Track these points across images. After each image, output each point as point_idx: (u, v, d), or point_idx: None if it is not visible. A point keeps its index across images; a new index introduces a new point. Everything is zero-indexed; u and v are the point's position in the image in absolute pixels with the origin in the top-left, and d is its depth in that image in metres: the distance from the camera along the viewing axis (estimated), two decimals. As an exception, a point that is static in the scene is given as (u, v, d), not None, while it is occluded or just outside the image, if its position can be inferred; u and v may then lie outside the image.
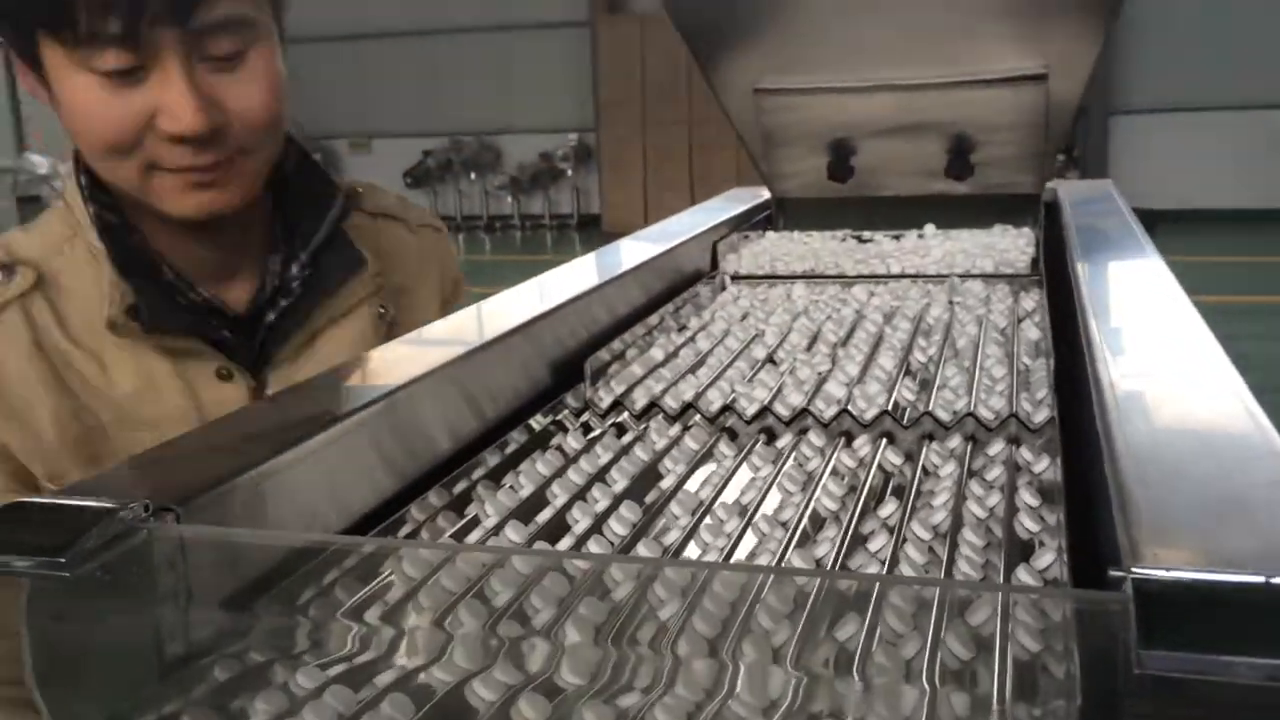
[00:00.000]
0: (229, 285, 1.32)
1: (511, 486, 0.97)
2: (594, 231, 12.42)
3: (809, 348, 1.44)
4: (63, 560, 0.60)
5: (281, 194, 1.35)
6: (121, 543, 0.63)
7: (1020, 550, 0.80)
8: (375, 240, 1.41)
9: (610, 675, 0.57)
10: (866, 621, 0.56)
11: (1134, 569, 0.49)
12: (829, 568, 0.79)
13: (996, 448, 1.06)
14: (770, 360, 1.38)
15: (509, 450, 1.07)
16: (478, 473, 0.99)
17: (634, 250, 1.78)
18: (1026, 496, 0.92)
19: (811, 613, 0.56)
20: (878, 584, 0.64)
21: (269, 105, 1.20)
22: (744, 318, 1.62)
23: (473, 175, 13.52)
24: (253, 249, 1.34)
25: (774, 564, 0.79)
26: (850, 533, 0.84)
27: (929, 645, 0.54)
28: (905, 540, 0.82)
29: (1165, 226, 9.35)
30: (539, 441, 1.13)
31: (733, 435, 1.17)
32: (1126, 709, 0.45)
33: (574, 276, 1.58)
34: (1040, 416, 1.08)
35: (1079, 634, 0.51)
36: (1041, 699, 0.51)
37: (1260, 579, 0.48)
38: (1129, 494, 0.61)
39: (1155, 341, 1.04)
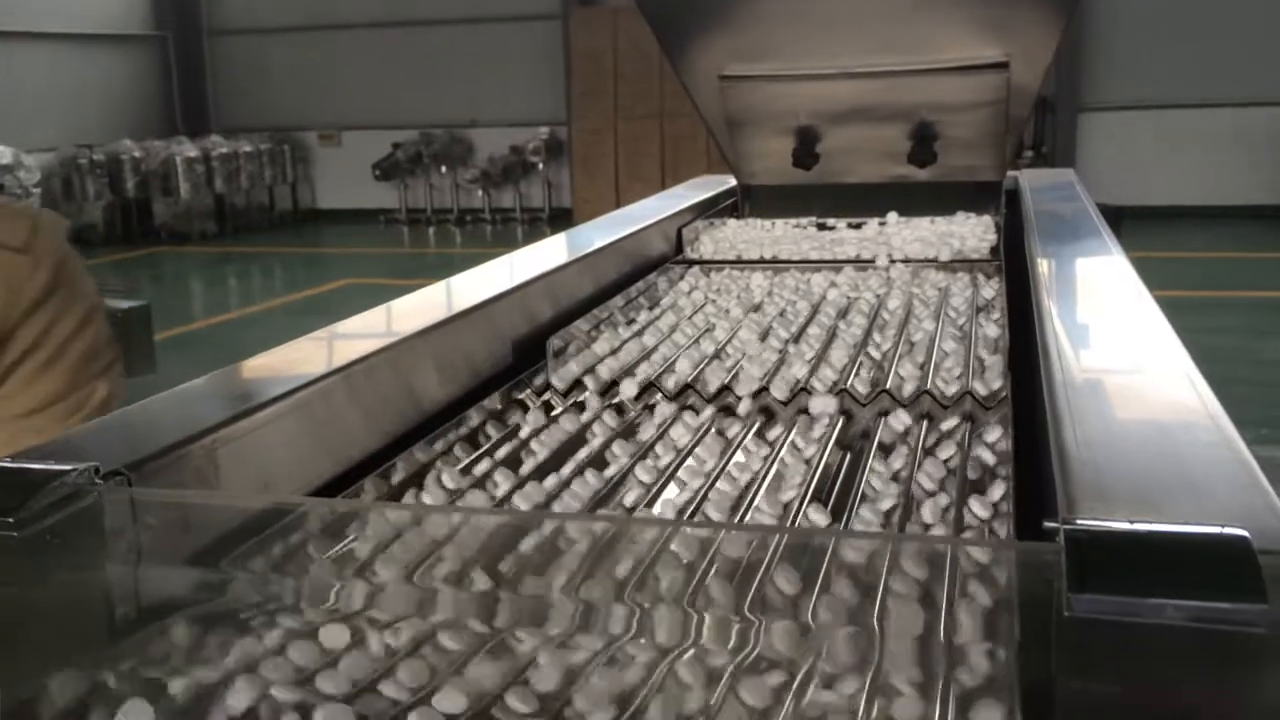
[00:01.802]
0: None
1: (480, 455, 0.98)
2: (565, 225, 12.40)
3: (764, 336, 1.44)
4: (11, 521, 0.60)
5: None
6: (71, 505, 0.63)
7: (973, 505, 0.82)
8: None
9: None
10: (822, 570, 0.57)
11: (1066, 521, 0.51)
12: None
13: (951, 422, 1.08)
14: (720, 353, 1.38)
15: (465, 429, 1.08)
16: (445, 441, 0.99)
17: (600, 234, 1.79)
18: (983, 455, 0.94)
19: (769, 563, 0.58)
20: (834, 538, 0.65)
21: None
22: (704, 304, 1.63)
23: (443, 168, 13.44)
24: None
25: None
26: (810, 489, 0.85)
27: (880, 591, 0.55)
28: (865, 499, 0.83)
29: (1131, 223, 9.45)
30: (498, 419, 1.13)
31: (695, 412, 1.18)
32: (1058, 648, 0.46)
33: (539, 258, 1.59)
34: (994, 391, 1.10)
35: (1019, 581, 0.53)
36: (985, 639, 0.52)
37: (1183, 528, 0.49)
38: (1068, 454, 0.62)
39: (1104, 320, 1.06)
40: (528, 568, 0.61)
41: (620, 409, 1.18)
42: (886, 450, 1.01)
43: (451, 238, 12.95)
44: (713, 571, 0.59)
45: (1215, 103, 11.54)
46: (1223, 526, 0.48)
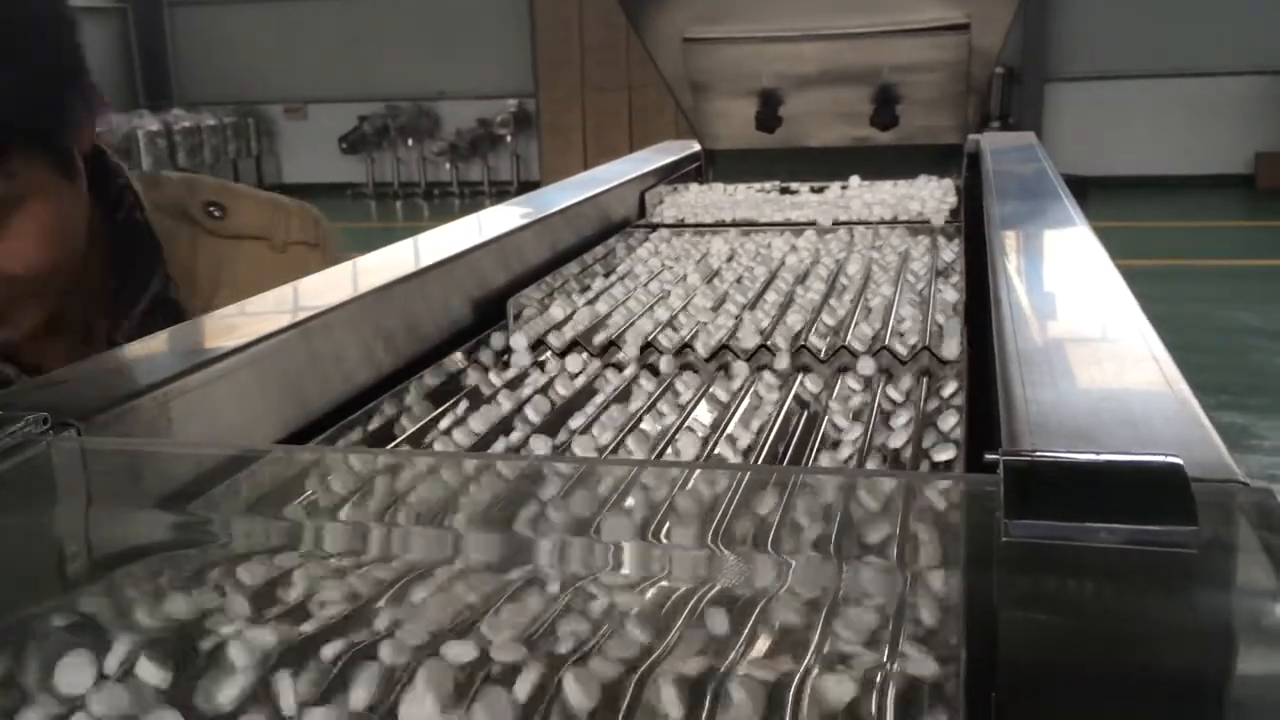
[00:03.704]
0: (52, 345, 1.20)
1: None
2: (534, 198, 12.35)
3: (721, 302, 1.45)
4: (-42, 469, 0.60)
5: (109, 257, 1.23)
6: (17, 454, 0.63)
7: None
8: (231, 269, 1.32)
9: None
10: (782, 506, 0.58)
11: (1006, 453, 0.52)
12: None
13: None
14: (678, 315, 1.38)
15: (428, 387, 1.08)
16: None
17: (562, 196, 1.79)
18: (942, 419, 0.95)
19: (739, 498, 0.59)
20: (795, 475, 0.66)
21: (33, 258, 1.09)
22: (665, 267, 1.63)
23: (410, 141, 13.34)
24: (78, 312, 1.21)
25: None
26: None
27: (837, 523, 0.56)
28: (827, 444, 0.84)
29: (1096, 192, 9.51)
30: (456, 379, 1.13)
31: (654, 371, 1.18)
32: (998, 570, 0.47)
33: (502, 218, 1.58)
34: (952, 348, 1.11)
35: (965, 510, 0.54)
36: (935, 565, 0.54)
37: (1118, 457, 0.50)
38: (1013, 394, 0.63)
39: (1055, 272, 1.07)
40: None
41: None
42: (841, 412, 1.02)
43: (419, 211, 12.88)
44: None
45: (1181, 72, 11.62)
46: (1156, 454, 0.49)
